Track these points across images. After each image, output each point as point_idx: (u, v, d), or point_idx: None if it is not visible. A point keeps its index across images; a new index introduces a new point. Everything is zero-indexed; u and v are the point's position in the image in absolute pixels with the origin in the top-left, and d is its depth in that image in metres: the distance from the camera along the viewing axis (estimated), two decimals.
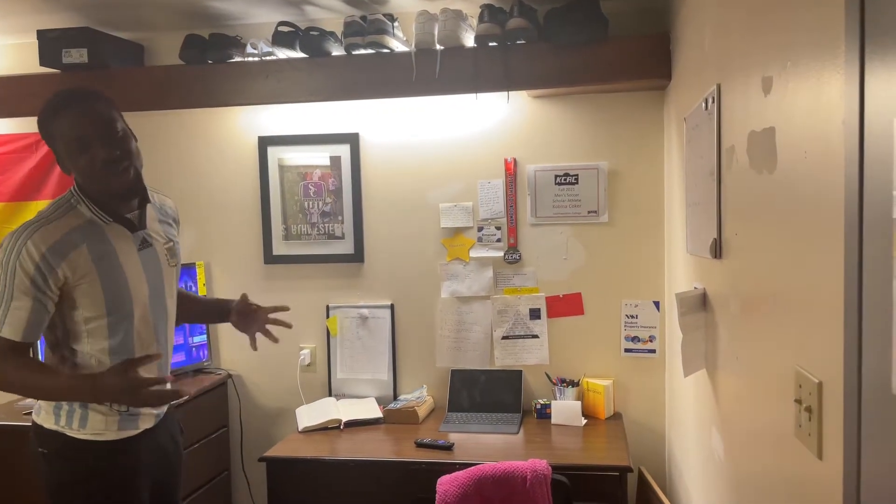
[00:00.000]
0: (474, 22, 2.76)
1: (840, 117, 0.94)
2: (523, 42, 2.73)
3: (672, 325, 2.69)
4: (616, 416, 2.96)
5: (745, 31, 1.50)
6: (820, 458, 1.05)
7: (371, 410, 3.00)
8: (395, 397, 3.15)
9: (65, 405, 1.76)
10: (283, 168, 3.21)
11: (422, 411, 2.96)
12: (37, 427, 1.80)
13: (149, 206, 1.91)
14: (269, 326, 2.20)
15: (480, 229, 3.09)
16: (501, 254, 3.07)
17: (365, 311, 3.19)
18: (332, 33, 2.88)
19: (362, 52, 2.83)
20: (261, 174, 3.22)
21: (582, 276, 3.04)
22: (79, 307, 1.75)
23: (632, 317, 3.01)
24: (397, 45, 2.82)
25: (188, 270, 3.17)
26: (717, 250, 1.79)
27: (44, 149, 3.33)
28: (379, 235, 3.17)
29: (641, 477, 2.84)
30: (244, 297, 2.19)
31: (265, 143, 3.20)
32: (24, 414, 2.77)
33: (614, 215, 2.99)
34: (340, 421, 2.91)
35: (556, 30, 2.69)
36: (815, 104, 1.06)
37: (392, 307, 3.18)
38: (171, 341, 2.00)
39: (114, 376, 1.66)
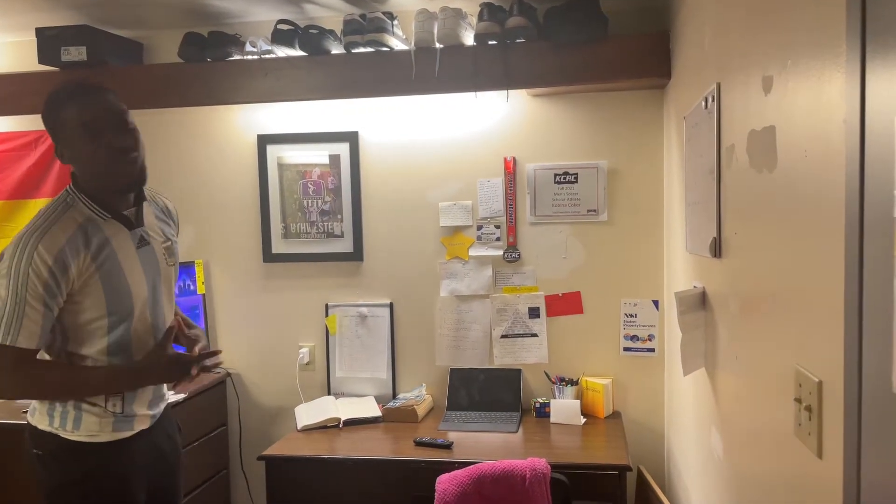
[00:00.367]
0: (474, 20, 2.76)
1: (841, 116, 0.94)
2: (523, 41, 2.73)
3: (671, 324, 2.69)
4: (615, 415, 2.96)
5: (745, 29, 1.50)
6: (820, 458, 1.05)
7: (370, 409, 3.00)
8: (394, 396, 3.15)
9: (58, 406, 1.75)
10: (282, 166, 3.20)
11: (421, 410, 2.96)
12: (31, 428, 1.78)
13: (146, 204, 1.90)
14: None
15: (480, 228, 3.09)
16: (501, 252, 3.07)
17: (364, 310, 3.19)
18: (331, 31, 2.87)
19: (362, 50, 2.82)
20: (260, 172, 3.21)
21: (581, 274, 3.04)
22: (80, 309, 1.72)
23: (631, 316, 3.01)
24: (397, 44, 2.82)
25: (187, 269, 3.17)
26: (717, 249, 1.78)
27: (43, 147, 3.33)
28: (378, 234, 3.17)
29: (640, 476, 2.84)
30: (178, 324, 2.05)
31: (264, 141, 3.20)
32: (23, 412, 2.77)
33: (614, 214, 2.99)
34: (339, 420, 2.91)
35: (556, 28, 2.69)
36: (815, 103, 1.06)
37: (391, 306, 3.17)
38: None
39: (158, 354, 1.81)
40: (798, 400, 1.12)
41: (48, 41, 2.96)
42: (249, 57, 2.92)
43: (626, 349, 3.02)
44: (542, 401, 2.95)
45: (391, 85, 2.83)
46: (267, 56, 2.91)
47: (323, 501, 2.63)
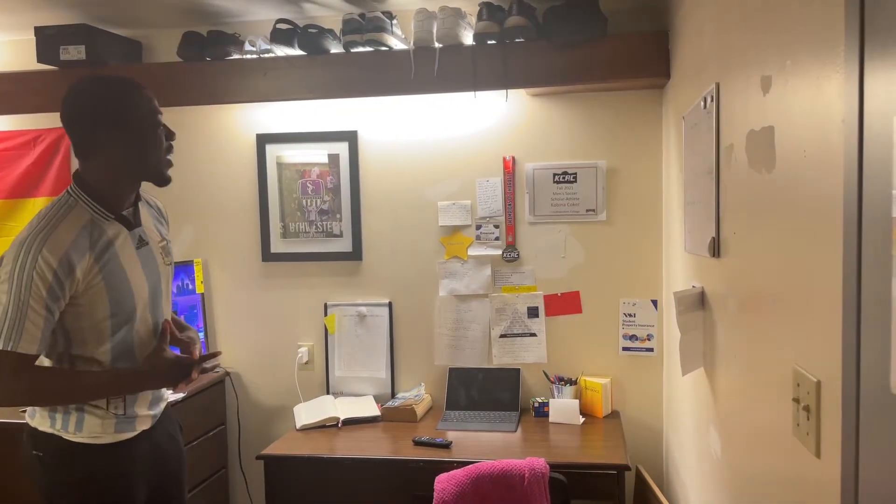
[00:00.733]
0: (473, 20, 2.76)
1: (839, 116, 0.94)
2: (522, 40, 2.73)
3: (670, 324, 2.69)
4: (614, 415, 2.97)
5: (744, 29, 1.50)
6: (818, 457, 1.05)
7: (369, 408, 3.00)
8: (393, 395, 3.15)
9: (60, 408, 1.73)
10: (281, 166, 3.20)
11: (420, 409, 2.96)
12: (32, 430, 1.77)
13: (141, 204, 1.90)
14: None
15: (479, 227, 3.09)
16: (500, 252, 3.07)
17: (363, 309, 3.19)
18: (330, 31, 2.87)
19: (361, 49, 2.82)
20: (259, 172, 3.21)
21: (580, 274, 3.04)
22: (84, 311, 1.70)
23: (630, 315, 3.01)
24: (396, 43, 2.82)
25: (186, 268, 3.17)
26: (716, 249, 1.79)
27: (42, 146, 3.33)
28: (377, 233, 3.17)
29: (639, 475, 2.84)
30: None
31: (263, 140, 3.20)
32: (22, 411, 2.76)
33: (612, 214, 2.99)
34: (338, 419, 2.91)
35: (555, 28, 2.69)
36: (814, 103, 1.06)
37: (390, 305, 3.17)
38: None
39: (159, 357, 1.82)
40: (796, 400, 1.12)
41: (47, 40, 2.96)
42: (248, 56, 2.92)
43: (624, 349, 3.02)
44: (540, 400, 2.95)
45: (390, 84, 2.83)
46: (266, 55, 2.90)
47: (321, 501, 2.63)
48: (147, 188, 1.91)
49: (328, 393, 3.20)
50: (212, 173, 3.27)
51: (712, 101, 1.78)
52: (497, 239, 3.07)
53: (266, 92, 2.92)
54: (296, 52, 2.87)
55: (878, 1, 0.83)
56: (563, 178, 3.01)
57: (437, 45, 2.76)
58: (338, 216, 3.18)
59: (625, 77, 2.73)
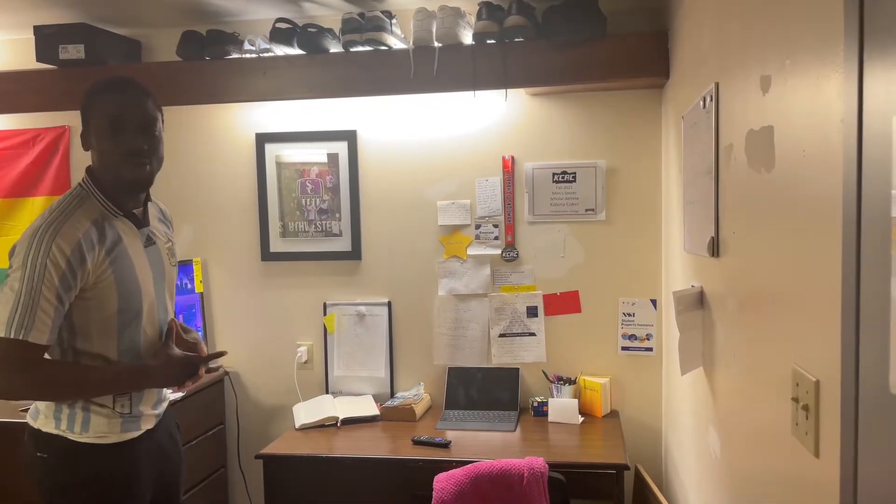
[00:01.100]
0: (472, 19, 2.76)
1: (839, 116, 0.94)
2: (521, 40, 2.73)
3: (669, 324, 2.69)
4: (613, 414, 2.97)
5: (743, 28, 1.50)
6: (817, 457, 1.05)
7: (368, 408, 3.00)
8: (393, 395, 3.15)
9: (65, 408, 1.73)
10: (280, 165, 3.20)
11: (419, 409, 2.96)
12: (34, 431, 1.76)
13: (150, 204, 1.92)
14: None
15: (478, 227, 3.09)
16: (499, 251, 3.07)
17: (362, 309, 3.19)
18: (329, 30, 2.87)
19: (360, 49, 2.82)
20: (258, 171, 3.21)
21: (579, 274, 3.04)
22: (92, 305, 1.71)
23: (629, 315, 3.01)
24: (395, 43, 2.82)
25: (185, 267, 3.17)
26: (715, 249, 1.79)
27: (41, 144, 3.33)
28: (376, 233, 3.17)
29: (638, 475, 2.84)
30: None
31: (262, 139, 3.20)
32: (21, 411, 2.76)
33: (612, 213, 2.99)
34: (337, 418, 2.91)
35: (555, 27, 2.69)
36: (813, 103, 1.06)
37: (389, 304, 3.17)
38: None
39: (167, 355, 1.82)
40: (795, 399, 1.12)
41: (46, 39, 2.96)
42: (248, 55, 2.92)
43: (623, 348, 3.02)
44: (539, 400, 2.96)
45: (390, 84, 2.83)
46: (265, 55, 2.90)
47: (320, 500, 2.63)
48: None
49: (327, 392, 3.20)
50: (211, 172, 3.27)
51: (712, 100, 1.78)
52: (496, 238, 3.07)
53: (265, 91, 2.92)
54: (295, 51, 2.87)
55: (877, 0, 0.83)
56: (563, 177, 3.01)
57: (436, 44, 2.76)
58: (337, 215, 3.18)
59: (624, 77, 2.73)
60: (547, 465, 2.29)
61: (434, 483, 2.27)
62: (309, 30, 2.83)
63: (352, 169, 3.14)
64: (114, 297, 1.73)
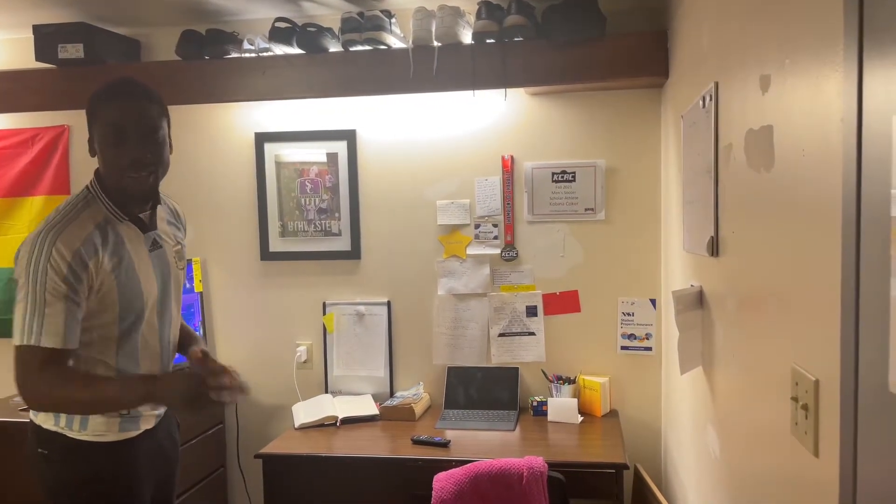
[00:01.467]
0: (472, 19, 2.76)
1: (838, 115, 0.94)
2: (521, 39, 2.73)
3: (668, 323, 2.70)
4: (612, 414, 2.97)
5: (743, 28, 1.50)
6: (816, 456, 1.05)
7: (367, 407, 3.00)
8: (392, 394, 3.15)
9: None
10: (279, 164, 3.20)
11: (418, 408, 2.96)
12: (35, 427, 1.76)
13: (159, 207, 1.90)
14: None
15: (477, 226, 3.09)
16: (498, 251, 3.07)
17: (361, 308, 3.19)
18: (329, 30, 2.87)
19: (359, 48, 2.82)
20: (257, 170, 3.21)
21: (579, 273, 3.04)
22: (93, 310, 1.70)
23: (628, 314, 3.01)
24: (395, 42, 2.82)
25: None
26: (714, 248, 1.79)
27: (40, 144, 3.32)
28: (376, 232, 3.17)
29: (637, 474, 2.84)
30: (199, 358, 1.93)
31: (262, 139, 3.20)
32: (20, 410, 2.76)
33: (611, 213, 3.00)
34: (337, 418, 2.91)
35: (554, 27, 2.69)
36: (813, 102, 1.06)
37: (389, 304, 3.17)
38: (175, 345, 1.98)
39: (182, 382, 1.66)
40: (795, 399, 1.12)
41: (45, 38, 2.95)
42: (247, 55, 2.91)
43: (623, 348, 3.02)
44: (539, 399, 2.96)
45: (389, 83, 2.83)
46: (264, 54, 2.90)
47: (320, 500, 2.63)
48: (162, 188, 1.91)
49: (326, 392, 3.20)
50: (210, 172, 3.27)
51: (711, 100, 1.78)
52: (496, 238, 3.07)
53: (264, 91, 2.92)
54: (294, 50, 2.87)
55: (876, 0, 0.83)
56: (562, 177, 3.01)
57: (435, 43, 2.76)
58: (336, 215, 3.18)
59: (624, 76, 2.73)
60: (546, 465, 2.29)
61: (433, 482, 2.27)
62: (308, 29, 2.83)
63: (351, 168, 3.14)
64: (115, 301, 1.72)
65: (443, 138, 3.08)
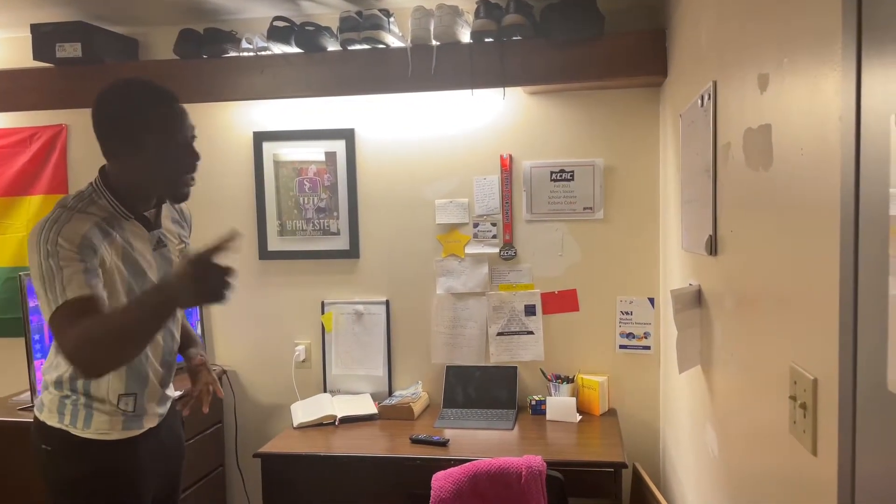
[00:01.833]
0: (470, 18, 2.76)
1: (837, 114, 0.94)
2: (519, 38, 2.73)
3: (667, 322, 2.70)
4: (611, 413, 2.97)
5: (741, 27, 1.50)
6: (814, 455, 1.05)
7: (366, 406, 3.00)
8: (391, 393, 3.15)
9: (68, 404, 1.73)
10: (278, 163, 3.20)
11: (417, 407, 2.96)
12: (39, 423, 1.77)
13: (164, 205, 1.90)
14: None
15: (476, 225, 3.09)
16: (497, 250, 3.07)
17: (360, 307, 3.19)
18: (327, 28, 2.87)
19: (358, 47, 2.82)
20: (256, 170, 3.21)
21: (577, 272, 3.04)
22: None
23: (627, 313, 3.01)
24: (393, 41, 2.82)
25: None
26: (713, 247, 1.79)
27: (38, 143, 3.32)
28: (374, 231, 3.17)
29: (636, 473, 2.84)
30: (196, 364, 2.01)
31: (260, 138, 3.19)
32: (20, 410, 2.76)
33: (610, 212, 3.00)
34: (335, 417, 2.91)
35: (553, 26, 2.69)
36: (811, 101, 1.06)
37: (387, 303, 3.17)
38: (178, 342, 1.97)
39: (188, 267, 1.49)
40: (793, 397, 1.12)
41: (43, 37, 2.95)
42: (245, 54, 2.91)
43: (621, 347, 3.02)
44: (537, 398, 2.96)
45: (387, 82, 2.82)
46: (263, 53, 2.90)
47: (318, 499, 2.63)
48: None
49: (325, 391, 3.20)
50: (208, 171, 3.25)
51: (709, 98, 1.78)
52: (494, 237, 3.07)
53: (263, 90, 2.91)
54: (293, 49, 2.87)
55: None
56: (561, 176, 3.01)
57: (434, 42, 2.76)
58: (335, 214, 3.17)
59: (622, 75, 2.73)
60: (545, 464, 2.29)
61: (432, 482, 2.27)
62: (306, 28, 2.83)
63: (350, 167, 3.14)
64: (121, 294, 1.71)
65: (441, 137, 3.08)
